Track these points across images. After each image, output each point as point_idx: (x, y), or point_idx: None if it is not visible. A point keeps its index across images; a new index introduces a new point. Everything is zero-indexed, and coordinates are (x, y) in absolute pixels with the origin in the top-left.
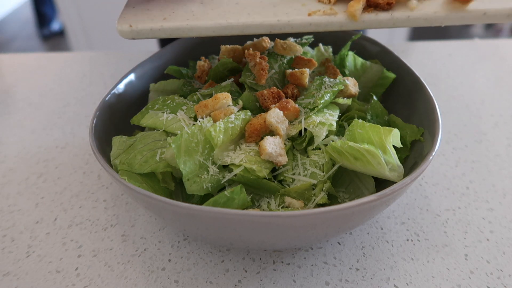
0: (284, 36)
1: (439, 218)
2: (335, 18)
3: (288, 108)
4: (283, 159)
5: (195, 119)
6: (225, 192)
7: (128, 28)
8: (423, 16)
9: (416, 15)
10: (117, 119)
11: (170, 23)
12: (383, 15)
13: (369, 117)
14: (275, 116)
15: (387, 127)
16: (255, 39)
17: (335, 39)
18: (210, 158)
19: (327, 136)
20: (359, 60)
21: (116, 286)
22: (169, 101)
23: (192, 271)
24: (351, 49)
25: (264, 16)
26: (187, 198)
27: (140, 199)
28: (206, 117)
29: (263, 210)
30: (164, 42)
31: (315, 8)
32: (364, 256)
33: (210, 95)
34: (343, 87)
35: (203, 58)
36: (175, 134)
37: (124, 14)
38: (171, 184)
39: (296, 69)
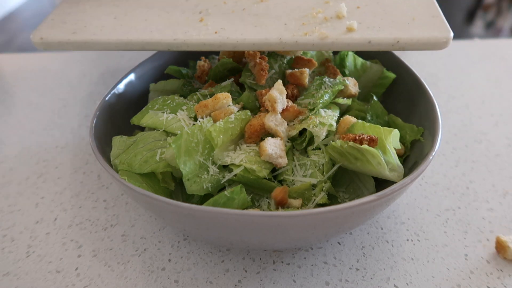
0: None
1: (439, 218)
2: (228, 40)
3: (287, 108)
4: (283, 161)
5: (195, 119)
6: (225, 192)
7: (39, 40)
8: (310, 42)
9: (304, 40)
10: (117, 119)
11: (77, 37)
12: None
13: (369, 117)
14: (273, 119)
15: (387, 128)
16: None
17: None
18: (210, 158)
19: (327, 136)
20: (359, 60)
21: (116, 286)
22: (169, 101)
23: (192, 271)
24: None
25: (164, 34)
26: (187, 198)
27: (140, 199)
28: (206, 117)
29: (263, 210)
30: None
31: (216, 26)
32: (364, 256)
33: (211, 95)
34: (343, 87)
35: (203, 58)
36: (175, 134)
37: (40, 25)
38: (171, 184)
39: (296, 69)
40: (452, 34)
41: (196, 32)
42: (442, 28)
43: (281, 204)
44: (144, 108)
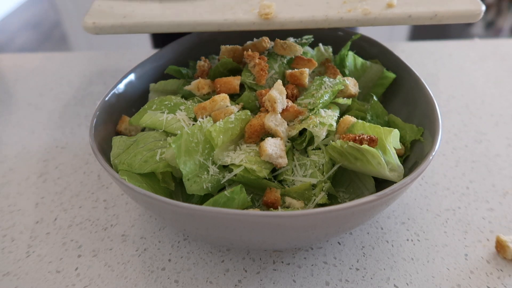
0: (284, 36)
1: (439, 218)
2: (276, 19)
3: (287, 108)
4: (283, 161)
5: (195, 119)
6: (225, 192)
7: (92, 24)
8: (354, 18)
9: (349, 17)
10: (117, 119)
11: (129, 20)
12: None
13: (369, 117)
14: (273, 119)
15: (387, 128)
16: (255, 39)
17: (335, 39)
18: (210, 158)
19: (327, 136)
20: (359, 60)
21: (116, 286)
22: (166, 102)
23: (192, 271)
24: (351, 49)
25: (213, 15)
26: (187, 198)
27: (140, 199)
28: (206, 117)
29: (263, 210)
30: (157, 43)
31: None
32: (364, 256)
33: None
34: (343, 87)
35: (203, 58)
36: (175, 134)
37: (90, 11)
38: (171, 184)
39: (296, 69)
40: (484, 7)
41: (243, 13)
42: (475, 2)
43: (274, 207)
44: (141, 109)
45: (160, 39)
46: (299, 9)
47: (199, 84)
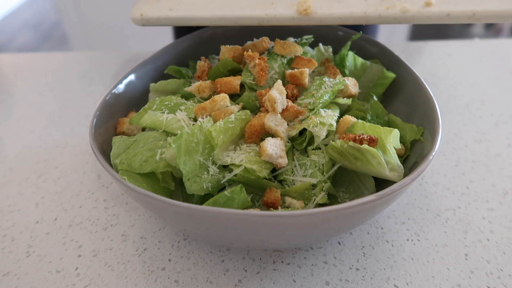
0: (284, 36)
1: (439, 218)
2: (316, 15)
3: (287, 108)
4: (283, 161)
5: (195, 119)
6: (225, 192)
7: (139, 16)
8: (392, 15)
9: (387, 14)
10: (117, 119)
11: (174, 13)
12: (343, 10)
13: (369, 117)
14: (273, 119)
15: (387, 127)
16: (255, 39)
17: (335, 39)
18: (210, 158)
19: (327, 136)
20: (359, 60)
21: (116, 286)
22: (167, 102)
23: (192, 271)
24: (351, 49)
25: (255, 10)
26: (187, 198)
27: (140, 199)
28: (206, 117)
29: (263, 210)
30: (179, 34)
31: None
32: (364, 256)
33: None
34: (343, 87)
35: (203, 58)
36: (175, 134)
37: (138, 3)
38: (171, 184)
39: (296, 69)
40: None
41: (284, 8)
42: None
43: (274, 207)
44: (141, 109)
45: (183, 30)
46: (338, 5)
47: (200, 87)
